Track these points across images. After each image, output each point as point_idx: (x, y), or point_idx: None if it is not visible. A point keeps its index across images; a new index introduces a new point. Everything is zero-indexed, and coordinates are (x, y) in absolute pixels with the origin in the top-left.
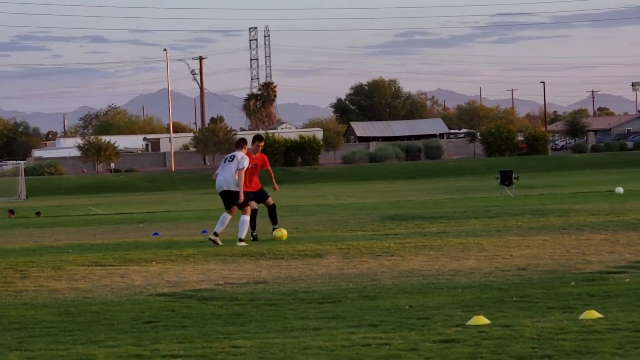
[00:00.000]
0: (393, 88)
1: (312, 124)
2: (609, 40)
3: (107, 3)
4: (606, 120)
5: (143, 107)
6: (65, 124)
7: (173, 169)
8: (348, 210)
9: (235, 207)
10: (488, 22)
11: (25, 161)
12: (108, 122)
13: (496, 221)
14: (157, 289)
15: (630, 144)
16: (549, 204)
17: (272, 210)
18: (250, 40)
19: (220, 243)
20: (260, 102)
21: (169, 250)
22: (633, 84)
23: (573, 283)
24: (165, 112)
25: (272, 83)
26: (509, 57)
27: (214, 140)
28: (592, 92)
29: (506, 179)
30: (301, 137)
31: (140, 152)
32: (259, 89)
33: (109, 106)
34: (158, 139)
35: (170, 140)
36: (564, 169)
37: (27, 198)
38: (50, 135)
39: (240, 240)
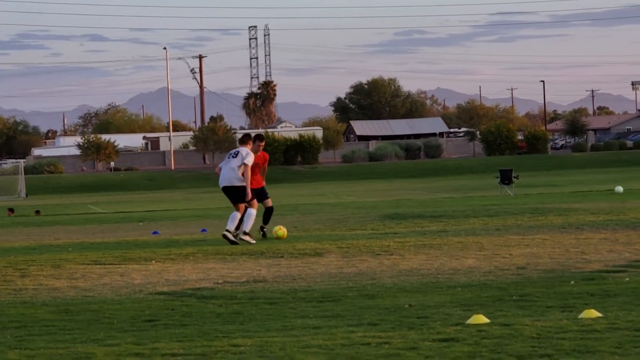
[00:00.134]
0: (393, 87)
1: (312, 122)
2: (609, 39)
3: (106, 2)
4: (606, 119)
5: (143, 106)
6: (65, 122)
7: (173, 167)
8: (348, 209)
9: (243, 205)
10: (488, 21)
11: (25, 160)
12: (108, 120)
13: (496, 220)
14: (156, 287)
15: (629, 143)
16: (548, 203)
17: (268, 212)
18: (250, 38)
19: (232, 238)
20: (260, 100)
21: (168, 249)
22: (633, 83)
23: (572, 282)
24: (164, 110)
25: (272, 82)
26: (509, 56)
27: (213, 139)
28: (592, 91)
29: (506, 177)
30: (301, 136)
31: (139, 150)
32: (259, 88)
33: (109, 105)
34: (158, 137)
35: (169, 139)
36: (564, 168)
37: (26, 196)
38: (49, 134)
39: (245, 233)
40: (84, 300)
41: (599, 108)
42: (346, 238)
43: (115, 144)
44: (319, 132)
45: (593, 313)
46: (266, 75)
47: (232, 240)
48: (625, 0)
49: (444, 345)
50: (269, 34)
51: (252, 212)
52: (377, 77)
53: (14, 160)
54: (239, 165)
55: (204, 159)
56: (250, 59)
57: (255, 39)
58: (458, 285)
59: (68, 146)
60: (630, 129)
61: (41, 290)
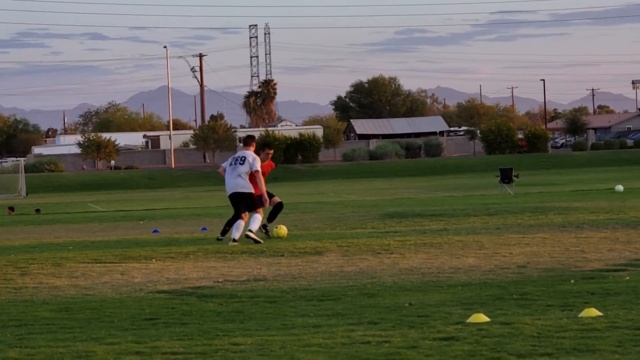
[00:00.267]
0: (393, 86)
1: (312, 121)
2: (609, 38)
3: (106, 0)
4: (606, 118)
5: (143, 105)
6: (65, 121)
7: (173, 166)
8: (348, 208)
9: (246, 214)
10: (488, 19)
11: (25, 158)
12: (108, 119)
13: (496, 219)
14: (157, 286)
15: (630, 142)
16: (548, 201)
17: (276, 208)
18: (251, 37)
19: (256, 237)
20: (261, 99)
21: (168, 248)
22: (633, 82)
23: (573, 281)
24: (165, 109)
25: (272, 80)
26: (509, 55)
27: (213, 137)
28: (592, 90)
29: (506, 176)
30: (301, 135)
31: (140, 149)
32: (259, 87)
33: (109, 103)
34: (158, 136)
35: (170, 138)
36: (564, 166)
37: (27, 195)
38: (50, 133)
39: (250, 231)
40: (84, 298)
41: (599, 107)
42: (346, 237)
43: (116, 142)
44: (319, 131)
45: (593, 312)
46: (266, 74)
47: (256, 240)
48: None
49: (444, 344)
50: (269, 33)
51: (258, 216)
52: (377, 75)
53: (14, 159)
54: (247, 171)
55: (204, 157)
56: (251, 57)
57: (256, 37)
58: (458, 284)
59: (68, 145)
60: (630, 127)
61: (41, 289)
